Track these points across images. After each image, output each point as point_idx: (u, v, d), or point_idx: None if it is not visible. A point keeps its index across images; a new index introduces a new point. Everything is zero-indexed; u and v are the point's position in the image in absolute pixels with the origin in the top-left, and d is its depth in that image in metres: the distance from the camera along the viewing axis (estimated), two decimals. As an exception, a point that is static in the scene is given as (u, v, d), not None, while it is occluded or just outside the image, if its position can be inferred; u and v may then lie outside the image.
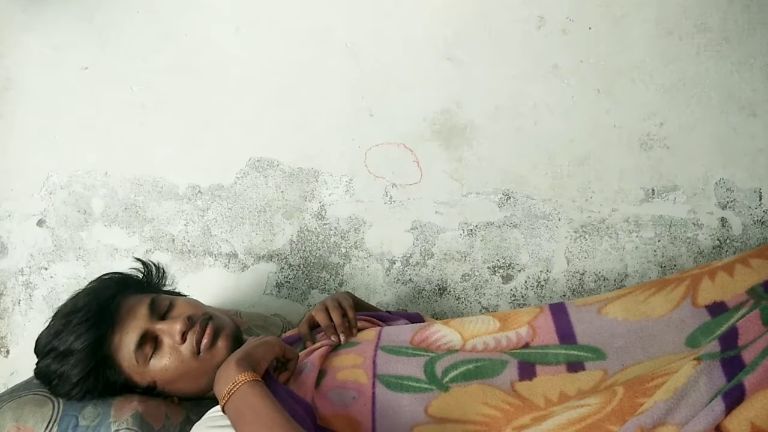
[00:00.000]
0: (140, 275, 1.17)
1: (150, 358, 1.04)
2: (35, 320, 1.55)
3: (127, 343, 1.04)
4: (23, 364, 1.49)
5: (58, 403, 1.04)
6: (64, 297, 1.15)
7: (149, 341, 1.04)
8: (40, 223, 1.57)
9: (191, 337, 1.04)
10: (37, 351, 1.07)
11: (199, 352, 1.04)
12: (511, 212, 1.47)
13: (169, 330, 1.04)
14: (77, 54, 1.54)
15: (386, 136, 1.49)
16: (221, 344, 1.05)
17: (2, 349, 1.58)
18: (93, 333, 1.02)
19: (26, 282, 1.58)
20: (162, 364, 1.04)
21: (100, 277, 1.14)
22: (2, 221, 1.58)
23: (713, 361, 0.87)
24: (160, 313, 1.07)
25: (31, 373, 1.12)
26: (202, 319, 1.06)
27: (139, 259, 1.19)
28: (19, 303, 1.58)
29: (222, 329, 1.07)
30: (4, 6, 1.55)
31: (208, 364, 1.04)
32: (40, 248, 1.57)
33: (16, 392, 1.08)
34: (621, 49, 1.42)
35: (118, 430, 1.01)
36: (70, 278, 1.56)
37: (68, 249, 1.57)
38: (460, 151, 1.48)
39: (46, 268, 1.57)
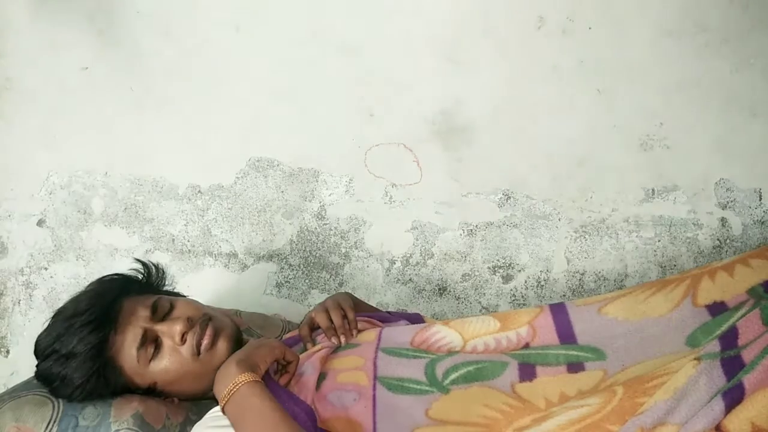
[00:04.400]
0: (140, 276, 1.17)
1: (151, 360, 1.04)
2: (35, 320, 1.55)
3: (128, 344, 1.04)
4: (23, 364, 1.50)
5: (58, 404, 1.04)
6: (64, 297, 1.15)
7: (150, 342, 1.04)
8: (40, 223, 1.57)
9: (191, 338, 1.04)
10: (37, 353, 1.07)
11: (199, 353, 1.04)
12: (511, 212, 1.47)
13: (170, 331, 1.04)
14: (77, 54, 1.54)
15: (386, 136, 1.49)
16: (221, 345, 1.05)
17: (2, 349, 1.58)
18: (95, 336, 1.02)
19: (26, 282, 1.58)
20: (162, 365, 1.04)
21: (100, 278, 1.13)
22: (2, 221, 1.58)
23: (713, 361, 0.87)
24: (161, 315, 1.07)
25: (31, 373, 1.12)
26: (201, 320, 1.06)
27: (138, 260, 1.19)
28: (19, 303, 1.58)
29: (222, 330, 1.07)
30: (4, 6, 1.54)
31: (208, 365, 1.04)
32: (40, 248, 1.57)
33: (16, 392, 1.08)
34: (621, 49, 1.42)
35: (119, 430, 1.01)
36: (70, 278, 1.56)
37: (68, 249, 1.57)
38: (460, 151, 1.48)
39: (46, 268, 1.57)
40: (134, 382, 1.06)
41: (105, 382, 1.04)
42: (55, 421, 1.02)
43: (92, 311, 1.03)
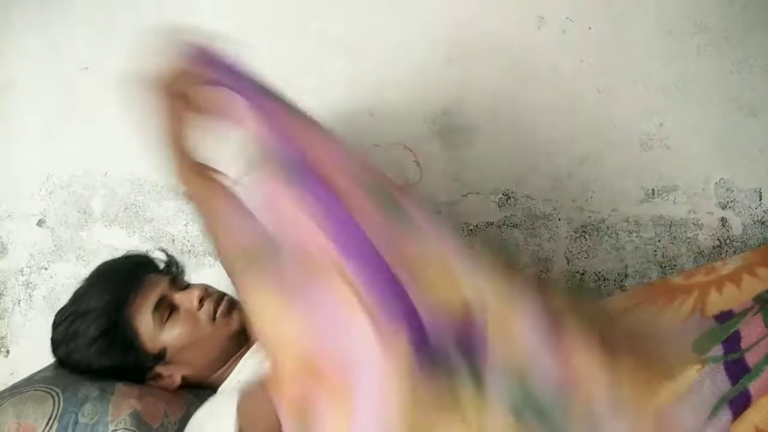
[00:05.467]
0: (161, 265, 1.21)
1: (166, 321, 1.08)
2: (35, 320, 1.55)
3: (146, 306, 1.08)
4: (23, 364, 1.49)
5: (59, 399, 1.05)
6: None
7: (166, 305, 1.09)
8: (40, 223, 1.57)
9: (208, 304, 1.10)
10: (55, 321, 1.11)
11: (215, 318, 1.09)
12: (511, 212, 1.47)
13: (188, 296, 1.10)
14: (77, 54, 1.54)
15: (386, 136, 1.49)
16: (236, 316, 1.10)
17: (2, 349, 1.58)
18: (114, 293, 1.07)
19: (26, 282, 1.57)
20: (177, 328, 1.08)
21: (125, 253, 1.20)
22: (2, 221, 1.58)
23: (717, 365, 0.87)
24: (179, 288, 1.13)
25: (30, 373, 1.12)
26: (218, 292, 1.13)
27: (163, 250, 1.23)
28: (19, 303, 1.58)
29: (237, 303, 1.12)
30: (4, 6, 1.54)
31: (221, 332, 1.09)
32: (40, 248, 1.57)
33: (17, 388, 1.09)
34: (621, 49, 1.42)
35: (116, 430, 1.01)
36: (70, 278, 1.56)
37: (68, 249, 1.57)
38: (460, 151, 1.47)
39: (46, 268, 1.57)
40: (145, 348, 1.08)
41: (118, 343, 1.06)
42: (55, 418, 1.03)
43: (113, 273, 1.10)
